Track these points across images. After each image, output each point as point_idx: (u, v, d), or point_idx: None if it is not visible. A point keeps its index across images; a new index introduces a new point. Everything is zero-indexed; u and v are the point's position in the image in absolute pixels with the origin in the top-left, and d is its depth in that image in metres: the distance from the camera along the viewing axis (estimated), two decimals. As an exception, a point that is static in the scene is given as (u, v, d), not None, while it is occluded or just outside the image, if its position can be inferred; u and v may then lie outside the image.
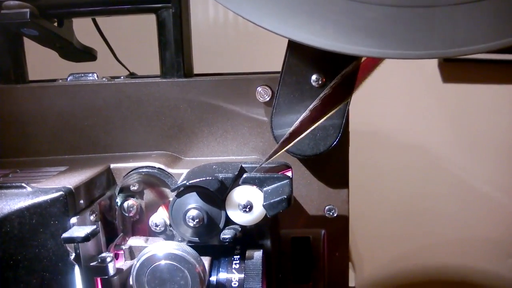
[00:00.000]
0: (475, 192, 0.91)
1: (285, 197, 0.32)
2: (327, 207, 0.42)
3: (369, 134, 0.91)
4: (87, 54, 0.50)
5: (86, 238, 0.30)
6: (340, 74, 0.34)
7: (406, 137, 0.92)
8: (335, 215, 0.42)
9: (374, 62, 0.33)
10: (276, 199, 0.32)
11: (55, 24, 0.45)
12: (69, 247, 0.31)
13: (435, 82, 0.90)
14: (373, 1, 0.29)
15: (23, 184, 0.32)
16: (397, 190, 0.93)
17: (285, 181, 0.34)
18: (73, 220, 0.31)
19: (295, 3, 0.30)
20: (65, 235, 0.30)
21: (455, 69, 0.89)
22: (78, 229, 0.31)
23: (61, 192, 0.31)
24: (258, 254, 0.35)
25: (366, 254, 0.96)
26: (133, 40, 0.78)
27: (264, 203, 0.33)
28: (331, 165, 0.41)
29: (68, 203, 0.31)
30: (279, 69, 0.38)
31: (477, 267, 0.94)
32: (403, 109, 0.91)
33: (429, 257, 0.95)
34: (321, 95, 0.34)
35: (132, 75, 0.56)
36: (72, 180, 0.34)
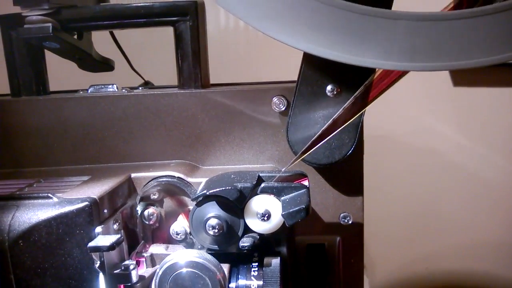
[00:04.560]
0: (487, 195, 0.91)
1: (304, 206, 0.33)
2: (342, 215, 0.43)
3: (380, 138, 0.91)
4: (105, 65, 0.52)
5: (111, 247, 0.31)
6: (362, 87, 0.34)
7: (417, 140, 0.92)
8: (350, 222, 0.43)
9: (392, 75, 0.34)
10: (294, 209, 0.33)
11: (75, 36, 0.47)
12: (94, 255, 0.32)
13: (446, 85, 0.90)
14: (386, 16, 0.30)
15: (49, 195, 0.33)
16: (408, 194, 0.93)
17: (302, 191, 0.35)
18: (98, 229, 0.32)
19: (310, 18, 0.30)
20: (91, 244, 0.31)
21: (466, 73, 0.90)
22: (103, 238, 0.32)
23: (86, 202, 0.32)
24: (276, 261, 0.36)
25: (378, 258, 0.96)
26: (147, 49, 0.79)
27: (283, 213, 0.33)
28: (346, 173, 0.42)
29: (93, 213, 0.32)
30: (290, 74, 0.39)
31: (489, 271, 0.94)
32: (414, 113, 0.92)
33: (441, 261, 0.95)
34: (343, 107, 0.35)
35: (147, 83, 0.57)
36: (96, 190, 0.35)
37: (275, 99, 0.41)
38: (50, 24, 0.42)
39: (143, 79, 0.58)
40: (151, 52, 0.79)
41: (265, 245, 0.37)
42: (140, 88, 0.47)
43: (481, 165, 0.91)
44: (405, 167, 0.92)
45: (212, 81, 0.47)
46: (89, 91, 0.45)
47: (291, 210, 0.33)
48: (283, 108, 0.41)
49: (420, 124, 0.91)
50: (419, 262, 0.96)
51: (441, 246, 0.95)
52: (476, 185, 0.91)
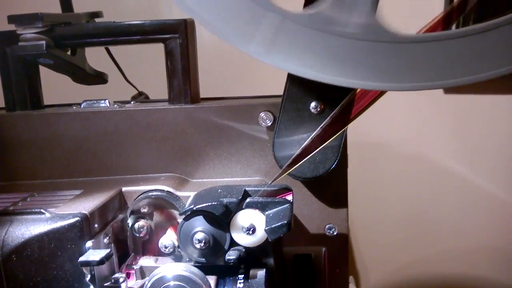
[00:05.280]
0: (479, 200, 0.92)
1: (286, 222, 0.34)
2: (327, 226, 0.44)
3: (373, 145, 0.92)
4: (98, 78, 0.53)
5: (101, 262, 0.32)
6: (338, 107, 0.36)
7: (409, 147, 0.93)
8: (335, 233, 0.44)
9: (371, 94, 0.35)
10: (277, 224, 0.34)
11: (69, 52, 0.48)
12: (85, 269, 0.34)
13: (436, 93, 0.91)
14: (366, 38, 0.31)
15: (42, 210, 0.34)
16: (401, 200, 0.94)
17: (285, 206, 0.36)
18: (89, 243, 0.34)
19: (294, 39, 0.32)
20: (81, 259, 0.32)
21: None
22: (93, 253, 0.33)
23: (78, 218, 0.34)
24: (261, 273, 0.37)
25: (371, 263, 0.98)
26: (141, 59, 0.81)
27: (266, 228, 0.35)
28: (330, 186, 0.43)
29: (84, 228, 0.34)
30: (279, 83, 0.40)
31: (483, 276, 0.95)
32: (406, 120, 0.93)
33: (435, 266, 0.96)
34: (321, 125, 0.36)
35: (141, 94, 0.58)
36: (87, 205, 0.36)
37: (262, 115, 0.43)
38: (44, 42, 0.43)
39: (137, 90, 0.59)
40: (145, 62, 0.80)
41: (252, 257, 0.39)
42: (132, 102, 0.48)
43: (473, 170, 0.92)
44: (399, 172, 0.94)
45: (209, 85, 0.48)
46: (82, 106, 0.46)
47: (273, 225, 0.34)
48: (270, 123, 0.43)
49: (412, 131, 0.93)
50: (413, 267, 0.97)
51: (435, 251, 0.96)
52: (469, 191, 0.92)
